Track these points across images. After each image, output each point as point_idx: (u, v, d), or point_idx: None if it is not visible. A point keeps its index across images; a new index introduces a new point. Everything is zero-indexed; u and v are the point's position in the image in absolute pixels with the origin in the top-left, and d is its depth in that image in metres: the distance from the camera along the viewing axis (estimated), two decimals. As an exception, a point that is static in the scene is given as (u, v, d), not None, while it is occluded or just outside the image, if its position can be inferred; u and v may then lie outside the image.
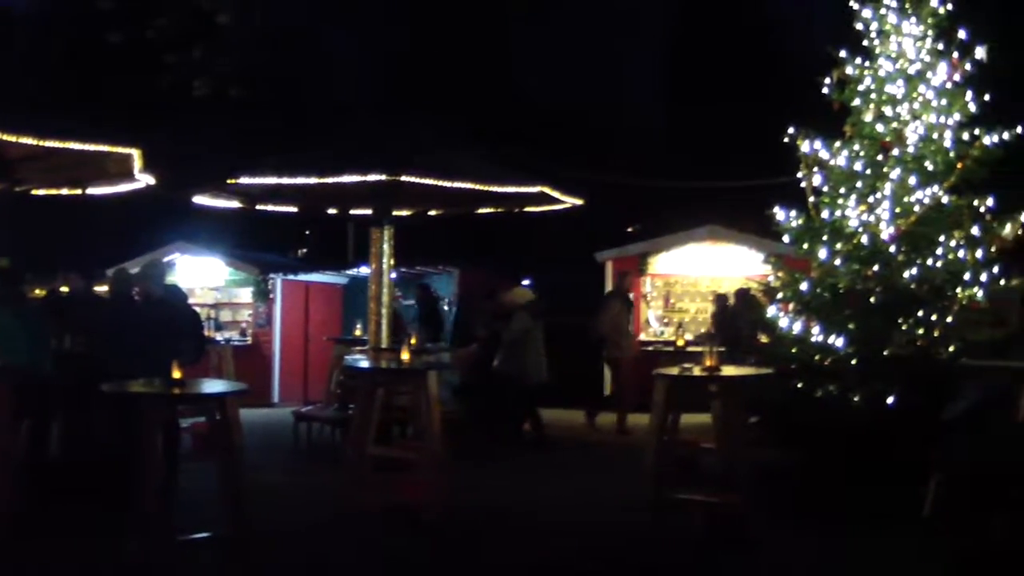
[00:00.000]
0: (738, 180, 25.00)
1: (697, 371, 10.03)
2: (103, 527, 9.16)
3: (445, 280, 21.94)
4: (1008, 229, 11.61)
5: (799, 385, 11.61)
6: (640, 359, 17.39)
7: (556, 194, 14.57)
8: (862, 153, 11.91)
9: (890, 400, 10.91)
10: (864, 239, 11.59)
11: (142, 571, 8.49)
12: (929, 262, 11.43)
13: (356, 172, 12.85)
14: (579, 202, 15.39)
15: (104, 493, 9.92)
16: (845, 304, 11.54)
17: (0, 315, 10.63)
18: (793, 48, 29.83)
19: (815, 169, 12.11)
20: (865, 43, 12.27)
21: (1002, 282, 11.64)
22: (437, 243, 26.77)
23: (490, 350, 16.26)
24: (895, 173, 11.59)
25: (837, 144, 12.03)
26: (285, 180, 13.47)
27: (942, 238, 11.48)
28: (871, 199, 11.70)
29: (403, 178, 12.74)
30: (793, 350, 11.75)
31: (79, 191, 14.05)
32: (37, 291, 13.45)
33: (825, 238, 11.87)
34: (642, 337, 20.34)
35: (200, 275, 22.54)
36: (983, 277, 11.44)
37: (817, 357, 11.55)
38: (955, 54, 11.93)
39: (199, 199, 14.93)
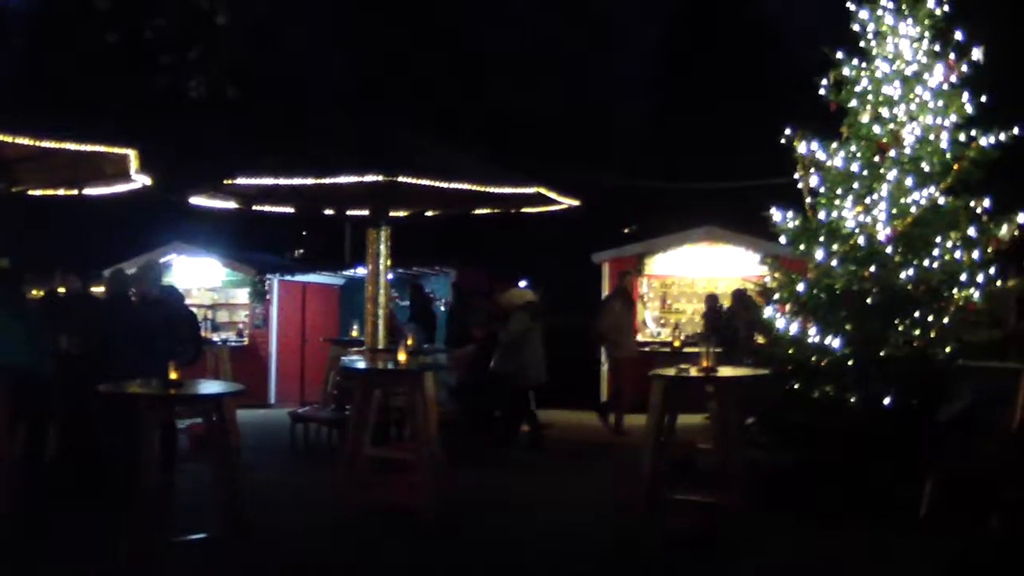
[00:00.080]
0: (735, 181, 25.00)
1: (694, 372, 10.04)
2: (99, 528, 9.16)
3: (442, 281, 21.95)
4: (1004, 230, 11.60)
5: (795, 386, 11.64)
6: (638, 360, 17.37)
7: (553, 195, 14.57)
8: (859, 154, 11.92)
9: (887, 401, 10.92)
10: (861, 240, 11.59)
11: (138, 572, 8.50)
12: (926, 263, 11.44)
13: (353, 173, 12.85)
14: (576, 203, 15.39)
15: (101, 494, 9.93)
16: (842, 305, 11.54)
17: (-1, 315, 10.65)
18: (790, 49, 29.95)
19: (812, 170, 12.12)
20: (862, 44, 12.28)
21: (998, 283, 11.65)
22: (434, 244, 26.82)
23: (487, 351, 16.26)
24: (892, 174, 11.60)
25: (834, 145, 12.04)
26: (282, 181, 13.47)
27: (938, 239, 11.49)
28: (868, 200, 11.70)
29: (400, 179, 12.74)
30: (790, 351, 11.76)
31: (76, 192, 14.03)
32: (34, 292, 13.45)
33: (822, 239, 11.88)
34: (639, 338, 20.33)
35: (197, 276, 22.55)
36: (979, 278, 11.45)
37: (814, 358, 11.56)
38: (952, 55, 11.94)
39: (196, 200, 14.93)
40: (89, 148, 11.79)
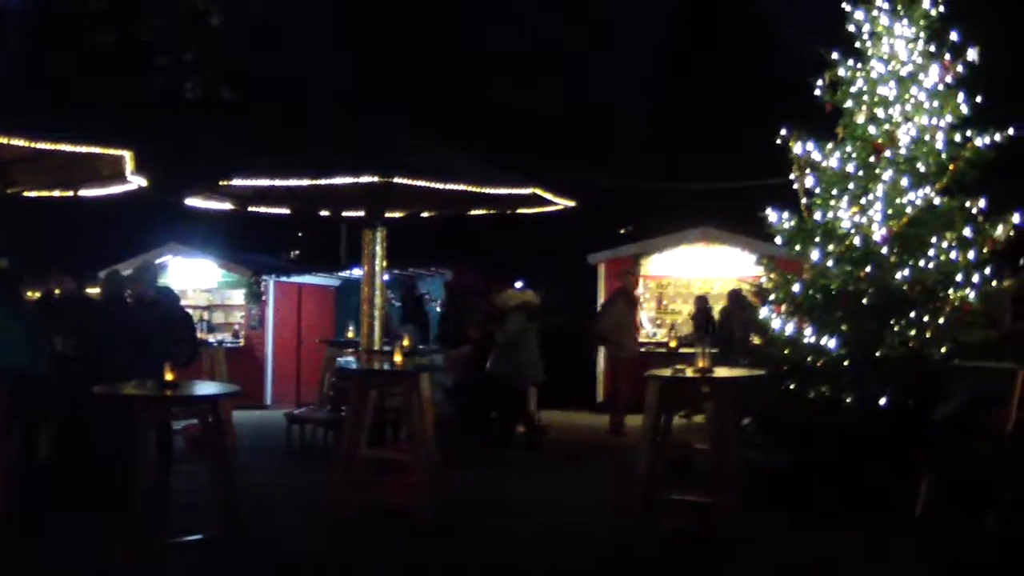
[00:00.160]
0: (732, 181, 25.01)
1: (690, 372, 10.05)
2: (95, 529, 9.16)
3: (438, 282, 21.96)
4: (1000, 230, 11.61)
5: (791, 386, 11.64)
6: (638, 360, 17.36)
7: (548, 196, 14.56)
8: (854, 155, 11.93)
9: (882, 401, 10.93)
10: (856, 240, 11.60)
11: (134, 573, 8.50)
12: (921, 263, 11.45)
13: (348, 174, 12.83)
14: (571, 204, 15.38)
15: (96, 495, 9.93)
16: (837, 305, 11.55)
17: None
18: (786, 50, 29.95)
19: (807, 171, 12.13)
20: (857, 45, 12.28)
21: (994, 283, 11.66)
22: (430, 245, 26.81)
23: (483, 351, 16.27)
24: (887, 175, 11.61)
25: (829, 146, 12.05)
26: (277, 182, 13.45)
27: (934, 239, 11.50)
28: (863, 200, 11.71)
29: (395, 180, 12.72)
30: (785, 351, 11.77)
31: (71, 193, 14.01)
32: (30, 293, 13.43)
33: (817, 239, 11.89)
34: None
35: (192, 277, 22.52)
36: (975, 278, 11.46)
37: (809, 358, 11.57)
38: (947, 56, 11.95)
39: (191, 201, 14.91)
40: (85, 149, 11.76)
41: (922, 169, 11.71)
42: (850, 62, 12.16)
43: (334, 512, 10.20)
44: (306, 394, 20.26)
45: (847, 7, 12.32)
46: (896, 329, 11.26)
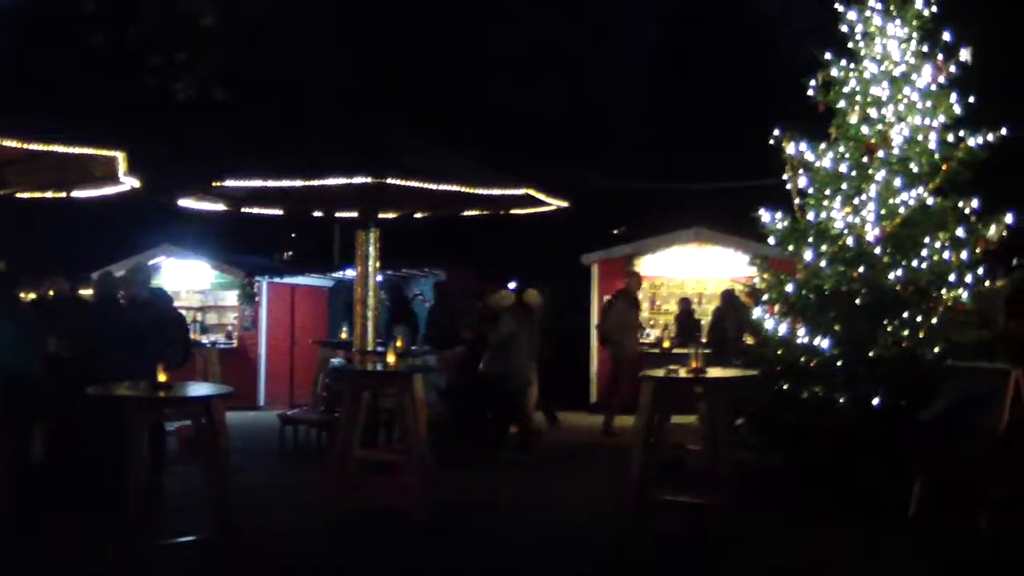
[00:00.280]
0: (724, 182, 25.03)
1: (683, 373, 10.04)
2: (88, 530, 9.15)
3: (431, 282, 21.96)
4: (993, 230, 11.63)
5: (784, 386, 11.64)
6: (638, 360, 17.34)
7: (542, 196, 14.56)
8: (847, 155, 11.93)
9: (875, 401, 10.93)
10: (849, 241, 11.61)
11: (127, 574, 8.49)
12: (914, 264, 11.46)
13: (341, 174, 12.83)
14: (565, 204, 15.38)
15: (90, 496, 9.91)
16: (830, 305, 11.56)
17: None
18: (778, 50, 29.97)
19: (800, 171, 12.13)
20: (850, 45, 12.29)
21: (987, 283, 11.67)
22: (424, 246, 26.79)
23: (477, 352, 16.27)
24: (880, 175, 11.61)
25: (822, 146, 12.05)
26: (270, 183, 13.44)
27: (927, 240, 11.51)
28: (856, 201, 11.71)
29: (388, 180, 12.72)
30: (779, 352, 11.77)
31: (64, 194, 13.99)
32: (23, 294, 13.41)
33: (810, 240, 11.89)
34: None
35: (186, 278, 22.51)
36: (968, 278, 11.47)
37: (802, 358, 11.57)
38: (940, 56, 11.95)
39: (184, 202, 14.90)
40: (78, 150, 11.75)
41: (915, 169, 11.72)
42: (843, 62, 12.16)
43: (328, 513, 10.19)
44: (300, 395, 20.26)
45: (840, 7, 12.32)
46: (889, 329, 11.27)
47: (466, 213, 16.49)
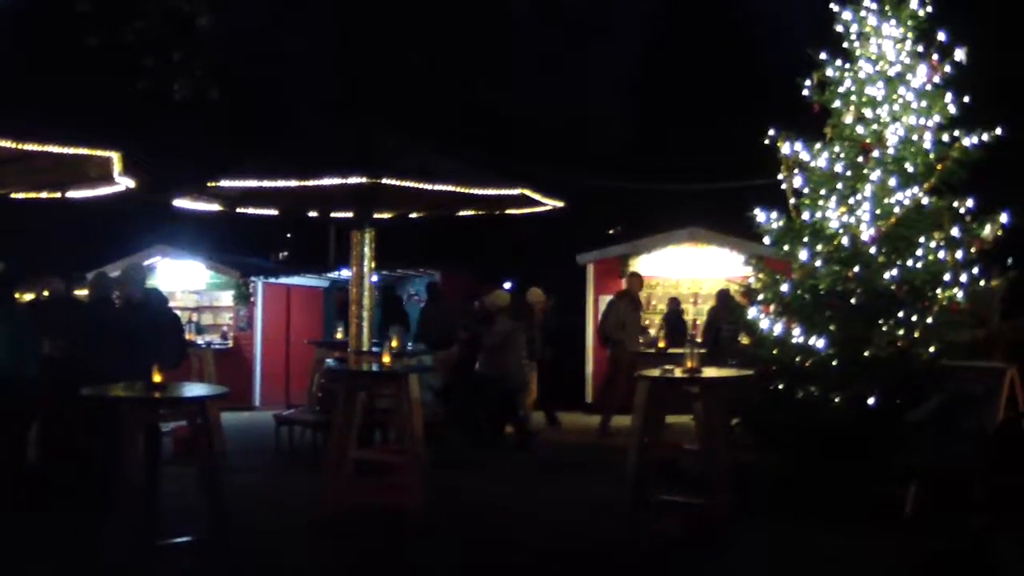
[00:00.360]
0: (719, 182, 25.03)
1: (678, 373, 10.05)
2: (84, 531, 9.14)
3: (426, 283, 21.98)
4: (987, 230, 11.63)
5: (780, 386, 11.65)
6: (637, 360, 17.35)
7: (537, 196, 14.55)
8: (842, 155, 11.94)
9: (871, 401, 10.94)
10: (844, 240, 11.61)
11: (123, 575, 8.48)
12: (909, 263, 11.46)
13: (336, 175, 12.82)
14: (560, 204, 15.38)
15: (85, 497, 9.90)
16: (826, 305, 11.56)
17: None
18: (774, 50, 29.98)
19: (796, 171, 12.13)
20: (845, 45, 12.29)
21: (982, 283, 11.68)
22: (420, 246, 26.82)
23: (472, 352, 16.27)
24: (875, 175, 11.62)
25: (817, 146, 12.05)
26: (266, 183, 13.43)
27: (922, 239, 11.51)
28: (851, 201, 11.72)
29: (384, 181, 12.71)
30: (774, 351, 11.77)
31: (59, 195, 13.97)
32: (18, 295, 13.40)
33: (806, 240, 11.89)
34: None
35: (181, 278, 22.50)
36: (963, 278, 11.47)
37: (798, 358, 11.58)
38: (935, 56, 11.96)
39: (179, 202, 14.88)
40: (72, 151, 11.72)
41: (910, 169, 11.72)
42: (838, 62, 12.17)
43: (324, 513, 10.19)
44: (295, 395, 20.24)
45: (835, 7, 12.32)
46: (884, 329, 11.27)
47: (461, 213, 16.48)
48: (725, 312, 17.13)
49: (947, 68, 11.91)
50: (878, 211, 11.56)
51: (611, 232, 28.95)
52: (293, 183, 13.32)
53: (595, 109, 35.68)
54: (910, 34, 12.10)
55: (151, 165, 13.73)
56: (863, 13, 12.16)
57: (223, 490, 9.13)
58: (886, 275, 11.43)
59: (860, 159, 11.84)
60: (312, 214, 17.21)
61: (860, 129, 11.94)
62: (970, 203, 11.72)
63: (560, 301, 20.27)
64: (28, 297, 13.62)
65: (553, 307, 19.59)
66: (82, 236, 25.17)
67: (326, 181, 12.95)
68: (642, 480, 10.22)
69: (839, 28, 12.31)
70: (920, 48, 12.07)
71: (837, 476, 10.38)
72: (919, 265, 11.47)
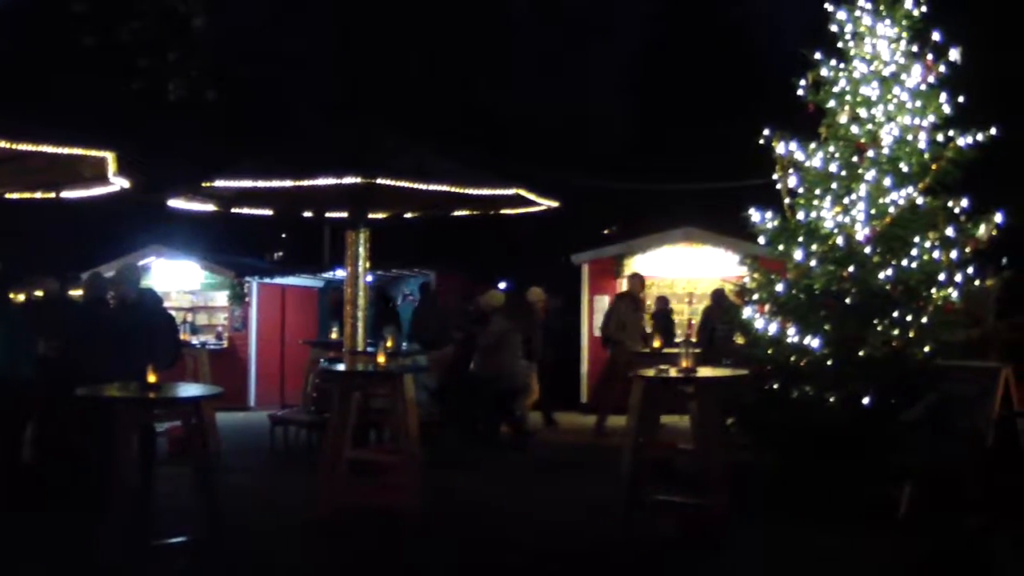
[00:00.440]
0: (714, 182, 25.05)
1: (673, 372, 10.04)
2: (79, 531, 9.13)
3: (421, 283, 21.99)
4: (982, 230, 11.63)
5: (775, 386, 11.64)
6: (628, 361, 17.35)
7: (532, 196, 14.56)
8: (837, 155, 11.93)
9: (865, 401, 10.94)
10: (839, 240, 11.60)
11: (118, 575, 8.47)
12: (904, 263, 11.45)
13: (331, 175, 12.82)
14: (555, 204, 15.39)
15: (80, 497, 9.89)
16: (820, 305, 11.56)
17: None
18: (768, 50, 30.02)
19: (790, 170, 12.12)
20: (840, 45, 12.29)
21: (976, 282, 11.68)
22: (415, 246, 26.83)
23: (467, 352, 16.26)
24: (870, 174, 11.61)
25: (812, 146, 12.04)
26: (260, 183, 13.43)
27: (917, 239, 11.50)
28: (846, 200, 11.71)
29: (378, 180, 12.71)
30: (769, 351, 11.77)
31: (53, 195, 13.96)
32: (12, 295, 13.39)
33: (800, 239, 11.88)
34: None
35: (176, 278, 22.47)
36: (958, 278, 11.47)
37: (792, 358, 11.57)
38: (929, 56, 11.96)
39: (174, 202, 14.87)
40: (67, 151, 11.72)
41: (905, 169, 11.72)
42: (833, 62, 12.16)
43: (319, 513, 10.19)
44: (290, 396, 20.22)
45: (830, 7, 12.32)
46: (879, 329, 11.26)
47: (456, 213, 16.48)
48: (719, 312, 17.13)
49: (942, 68, 11.90)
50: (873, 211, 11.56)
51: (606, 232, 28.96)
52: (288, 183, 13.32)
53: (594, 109, 35.71)
54: (905, 34, 12.10)
55: (146, 165, 13.74)
56: (858, 13, 12.15)
57: (218, 490, 9.14)
58: (881, 275, 11.42)
59: (855, 159, 11.83)
60: (307, 214, 17.22)
61: (855, 129, 11.94)
62: (965, 203, 11.72)
63: (564, 301, 20.32)
64: (23, 297, 13.60)
65: (557, 307, 19.63)
66: (77, 236, 25.17)
67: (321, 181, 12.95)
68: (637, 480, 10.21)
69: (834, 28, 12.30)
70: (915, 48, 12.07)
71: (832, 476, 10.38)
72: (914, 265, 11.47)
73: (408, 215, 16.50)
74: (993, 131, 11.60)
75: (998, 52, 19.41)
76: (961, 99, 11.88)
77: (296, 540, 9.82)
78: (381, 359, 10.73)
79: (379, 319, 17.51)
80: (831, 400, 11.16)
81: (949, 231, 11.57)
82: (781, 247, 12.09)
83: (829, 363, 11.32)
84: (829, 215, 11.78)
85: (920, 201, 11.70)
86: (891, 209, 11.59)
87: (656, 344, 15.60)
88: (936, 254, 11.49)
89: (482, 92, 34.28)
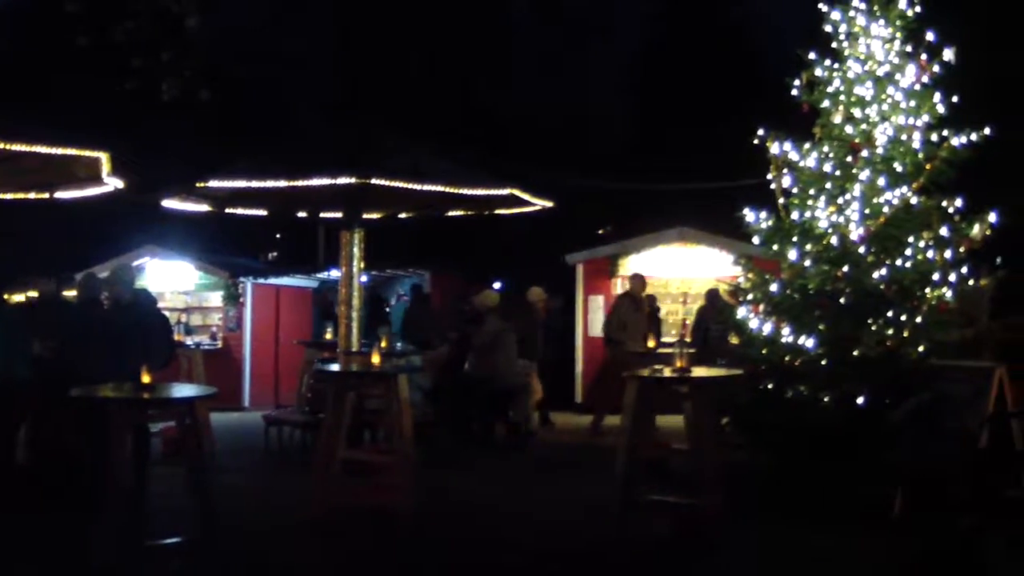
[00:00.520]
0: (708, 182, 25.05)
1: (667, 372, 10.04)
2: (73, 532, 9.13)
3: (415, 283, 21.99)
4: (976, 229, 11.64)
5: (769, 386, 11.65)
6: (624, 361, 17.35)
7: (526, 196, 14.56)
8: (831, 155, 11.94)
9: (860, 401, 10.94)
10: (834, 240, 11.61)
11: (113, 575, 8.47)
12: (898, 263, 11.46)
13: (326, 175, 12.81)
14: (549, 204, 15.39)
15: (74, 497, 9.88)
16: (815, 305, 11.56)
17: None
18: (763, 50, 30.04)
19: (785, 170, 12.13)
20: (834, 45, 12.29)
21: (971, 282, 11.69)
22: (410, 246, 26.82)
23: (461, 352, 16.26)
24: (864, 174, 11.62)
25: (807, 146, 12.05)
26: (254, 183, 13.42)
27: (911, 239, 11.51)
28: (840, 200, 11.72)
29: (373, 181, 12.71)
30: (763, 351, 11.77)
31: (47, 195, 13.95)
32: (7, 296, 13.38)
33: (795, 239, 11.89)
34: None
35: (170, 279, 22.47)
36: (952, 277, 11.48)
37: (787, 358, 11.57)
38: (923, 56, 11.96)
39: (168, 203, 14.87)
40: (61, 151, 11.71)
41: (899, 169, 11.73)
42: (827, 62, 12.17)
43: (313, 514, 10.18)
44: (284, 396, 20.21)
45: (824, 8, 12.32)
46: (873, 328, 11.27)
47: (451, 213, 16.48)
48: (714, 312, 17.14)
49: (936, 68, 11.91)
50: (867, 211, 11.57)
51: (600, 232, 28.95)
52: (282, 183, 13.32)
53: (594, 109, 35.72)
54: (899, 34, 12.10)
55: (140, 165, 13.73)
56: (852, 13, 12.16)
57: (212, 490, 9.12)
58: (875, 275, 11.43)
59: (849, 159, 11.84)
60: (301, 214, 17.22)
61: (849, 129, 11.95)
62: (959, 203, 11.73)
63: (564, 301, 20.34)
64: (17, 298, 13.58)
65: (557, 307, 19.65)
66: (71, 237, 25.13)
67: (315, 181, 12.94)
68: (631, 480, 10.21)
69: (828, 28, 12.31)
70: (909, 48, 12.07)
71: (826, 476, 10.39)
72: (908, 265, 11.47)
73: (403, 215, 16.50)
74: (987, 131, 11.61)
75: (992, 52, 19.43)
76: (955, 99, 11.88)
77: (290, 540, 9.82)
78: (375, 359, 10.73)
79: (371, 320, 17.52)
80: (825, 400, 11.17)
81: (943, 231, 11.58)
82: (775, 247, 12.10)
83: (823, 363, 11.32)
84: (823, 215, 11.79)
85: (914, 201, 11.71)
86: (885, 209, 11.59)
87: (651, 344, 15.60)
88: (930, 254, 11.50)
89: (482, 92, 34.28)
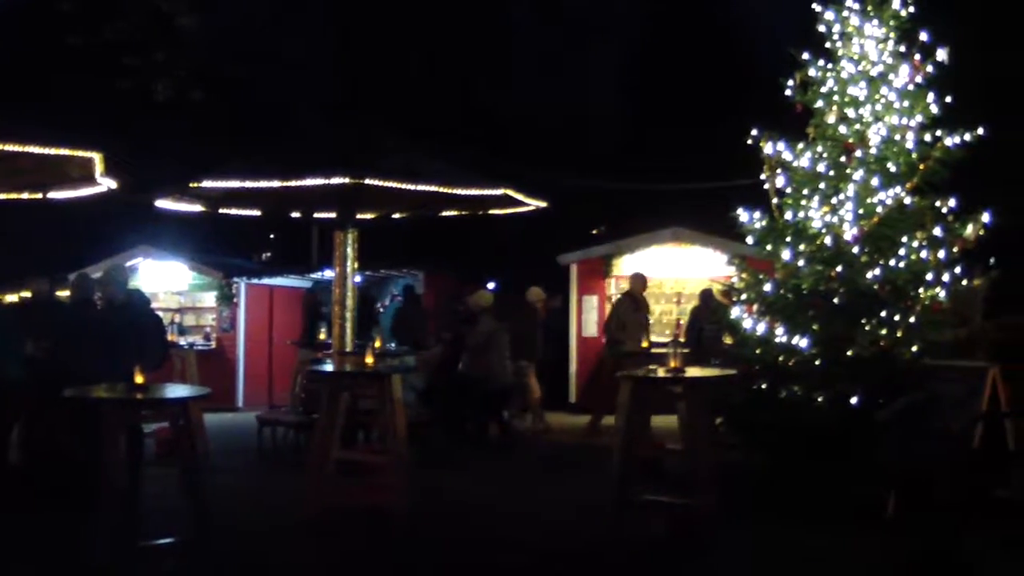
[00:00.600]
0: (702, 182, 25.05)
1: (662, 372, 10.04)
2: (67, 532, 9.12)
3: (410, 283, 21.97)
4: (970, 229, 11.65)
5: (763, 386, 11.65)
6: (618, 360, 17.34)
7: (520, 196, 14.55)
8: (825, 155, 11.94)
9: (853, 401, 10.95)
10: (827, 240, 11.61)
11: (107, 576, 8.47)
12: (892, 263, 11.46)
13: (319, 175, 12.80)
14: (543, 204, 15.38)
15: (68, 498, 9.87)
16: (808, 305, 11.57)
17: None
18: (756, 51, 30.02)
19: (778, 171, 12.14)
20: (828, 45, 12.30)
21: (964, 282, 11.70)
22: (404, 246, 26.79)
23: (455, 353, 16.25)
24: (858, 174, 11.62)
25: (800, 146, 12.05)
26: (248, 183, 13.41)
27: (904, 239, 11.52)
28: (834, 200, 11.72)
29: (367, 181, 12.70)
30: (757, 351, 11.78)
31: (40, 195, 13.94)
32: (1, 296, 13.37)
33: (788, 239, 11.90)
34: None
35: (163, 279, 22.46)
36: (945, 277, 11.49)
37: (781, 358, 11.58)
38: (917, 56, 11.97)
39: (162, 203, 14.85)
40: (54, 151, 11.70)
41: (892, 169, 11.74)
42: (821, 62, 12.17)
43: (307, 514, 10.18)
44: (278, 396, 20.21)
45: (817, 7, 12.33)
46: (867, 328, 11.27)
47: (445, 214, 16.47)
48: (707, 312, 17.14)
49: (929, 68, 11.91)
50: (861, 211, 11.57)
51: (594, 232, 28.95)
52: (276, 183, 13.30)
53: (594, 109, 35.68)
54: (892, 34, 12.11)
55: (133, 165, 13.72)
56: (845, 13, 12.16)
57: (205, 491, 9.10)
58: (869, 275, 11.44)
59: (843, 159, 11.84)
60: (295, 215, 17.20)
61: (843, 129, 11.95)
62: (952, 203, 11.73)
63: (563, 301, 20.36)
64: (10, 298, 13.57)
65: (557, 307, 19.65)
66: (64, 237, 25.09)
67: (309, 181, 12.93)
68: (626, 480, 10.21)
69: (821, 28, 12.32)
70: (902, 48, 12.08)
71: (820, 476, 10.39)
72: (902, 265, 11.48)
73: (397, 215, 16.49)
74: (980, 131, 11.62)
75: (985, 52, 19.43)
76: (949, 99, 11.89)
77: (284, 540, 9.81)
78: (369, 360, 10.72)
79: (363, 320, 17.51)
80: (819, 400, 11.17)
81: (937, 231, 11.59)
82: (769, 247, 12.10)
83: (817, 363, 11.33)
84: (817, 215, 11.79)
85: (908, 201, 11.71)
86: (879, 209, 11.60)
87: (645, 344, 15.60)
88: (924, 254, 11.51)
89: (482, 92, 34.24)
